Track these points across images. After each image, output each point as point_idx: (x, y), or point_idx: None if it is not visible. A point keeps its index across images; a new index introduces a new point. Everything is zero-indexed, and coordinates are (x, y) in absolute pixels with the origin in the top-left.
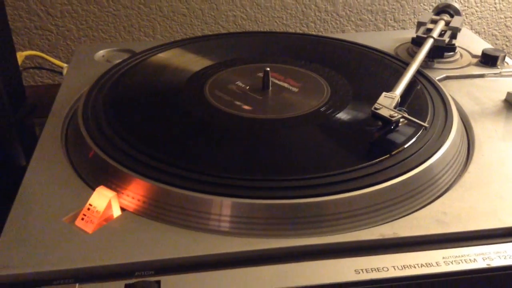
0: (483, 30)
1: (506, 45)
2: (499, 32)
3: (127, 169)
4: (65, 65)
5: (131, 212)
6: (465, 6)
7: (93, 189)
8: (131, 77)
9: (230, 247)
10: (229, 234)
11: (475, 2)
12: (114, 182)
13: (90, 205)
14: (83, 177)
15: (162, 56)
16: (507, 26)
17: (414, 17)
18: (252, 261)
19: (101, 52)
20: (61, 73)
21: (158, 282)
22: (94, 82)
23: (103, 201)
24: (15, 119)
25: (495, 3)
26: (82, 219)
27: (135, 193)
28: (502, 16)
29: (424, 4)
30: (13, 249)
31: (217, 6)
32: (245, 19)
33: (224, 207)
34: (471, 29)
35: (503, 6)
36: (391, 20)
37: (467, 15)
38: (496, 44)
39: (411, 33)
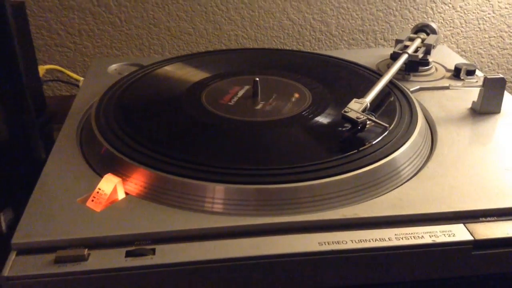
0: (468, 49)
1: (491, 63)
2: (484, 51)
3: (131, 160)
4: (81, 78)
5: (133, 195)
6: (450, 27)
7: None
8: (138, 86)
9: (215, 223)
10: (215, 213)
11: (460, 23)
12: (121, 171)
13: (99, 189)
14: (95, 168)
15: (166, 69)
16: (491, 45)
17: None
18: (234, 235)
19: (114, 66)
20: (77, 86)
21: (153, 249)
22: (106, 89)
23: (110, 185)
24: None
25: (479, 24)
26: (92, 200)
27: (138, 180)
28: (486, 36)
29: (411, 25)
30: (34, 221)
31: (220, 26)
32: (246, 38)
33: (209, 190)
34: (457, 48)
35: (487, 26)
36: (381, 39)
37: (453, 35)
38: (481, 62)
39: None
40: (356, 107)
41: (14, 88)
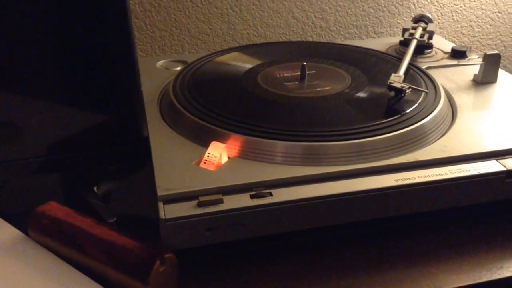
0: (444, 38)
1: None
2: (457, 39)
3: (222, 129)
4: None
5: (235, 157)
6: None
7: (203, 146)
8: (203, 72)
9: (317, 171)
10: (314, 165)
11: (437, 15)
12: (210, 139)
13: (209, 153)
14: (185, 137)
15: (223, 57)
16: (463, 34)
17: (390, 29)
18: (327, 179)
19: (160, 62)
20: None
21: (270, 193)
22: (176, 76)
23: (218, 150)
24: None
25: (453, 16)
26: (205, 162)
27: (233, 144)
28: (459, 26)
29: (397, 19)
30: (167, 180)
31: (234, 26)
32: (257, 35)
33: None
34: None
35: (459, 18)
36: (372, 32)
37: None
38: None
39: (394, 39)
40: (397, 79)
41: (127, 69)
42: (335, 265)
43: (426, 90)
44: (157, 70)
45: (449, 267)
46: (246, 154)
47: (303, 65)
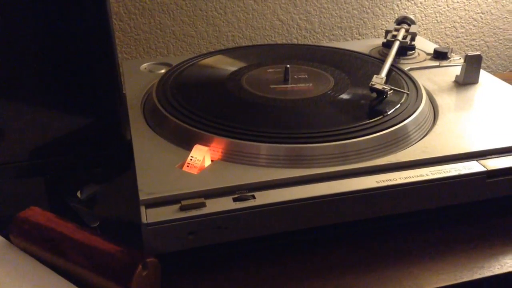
0: (428, 38)
1: None
2: (440, 40)
3: (205, 132)
4: None
5: (218, 160)
6: None
7: (186, 149)
8: (187, 75)
9: (301, 172)
10: (297, 167)
11: (420, 17)
12: (193, 142)
13: (192, 156)
14: (168, 140)
15: (207, 60)
16: (446, 35)
17: (374, 30)
18: (310, 181)
19: (144, 65)
20: None
21: (253, 195)
22: (159, 79)
23: (201, 154)
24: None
25: (436, 17)
26: (188, 166)
27: (217, 147)
28: (442, 27)
29: (381, 21)
30: (149, 183)
31: (219, 29)
32: (242, 38)
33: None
34: None
35: (443, 19)
36: (356, 34)
37: None
38: None
39: (378, 41)
40: (378, 81)
41: (108, 72)
42: (317, 267)
43: (407, 92)
44: (141, 73)
45: (431, 267)
46: (229, 157)
47: (287, 68)
